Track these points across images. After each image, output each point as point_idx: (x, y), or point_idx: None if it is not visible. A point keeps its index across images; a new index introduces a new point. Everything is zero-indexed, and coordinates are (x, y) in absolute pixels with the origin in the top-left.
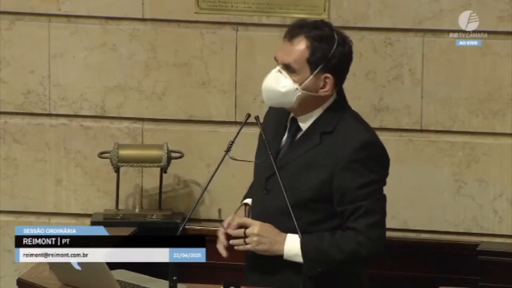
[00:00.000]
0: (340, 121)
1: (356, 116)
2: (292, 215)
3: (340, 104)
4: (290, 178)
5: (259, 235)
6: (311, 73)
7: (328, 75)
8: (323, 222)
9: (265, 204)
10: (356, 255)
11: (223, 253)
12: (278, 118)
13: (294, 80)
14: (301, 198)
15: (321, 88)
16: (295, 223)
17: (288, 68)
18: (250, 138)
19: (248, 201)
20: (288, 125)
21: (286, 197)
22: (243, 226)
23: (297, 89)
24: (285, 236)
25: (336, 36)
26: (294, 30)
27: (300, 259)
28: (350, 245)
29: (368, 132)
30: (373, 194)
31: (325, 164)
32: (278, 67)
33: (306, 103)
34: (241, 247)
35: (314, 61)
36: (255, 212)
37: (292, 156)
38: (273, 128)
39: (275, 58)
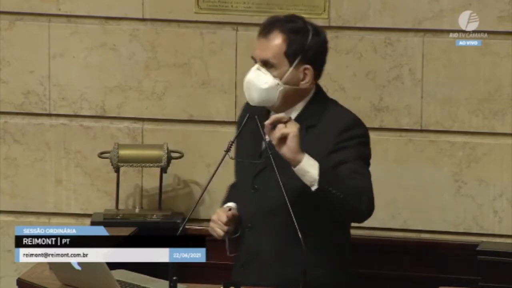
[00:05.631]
0: (324, 112)
1: (338, 103)
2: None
3: (321, 96)
4: (281, 174)
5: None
6: (290, 66)
7: (307, 66)
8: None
9: (254, 203)
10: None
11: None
12: (255, 122)
13: (274, 75)
14: (293, 190)
15: (302, 81)
16: (294, 219)
17: (266, 64)
18: None
19: (231, 205)
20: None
21: (284, 192)
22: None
23: (278, 84)
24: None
25: (310, 27)
26: (268, 26)
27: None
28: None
29: (350, 114)
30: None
31: (313, 154)
32: (256, 65)
33: (288, 98)
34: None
35: (292, 54)
36: (244, 212)
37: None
38: (251, 133)
39: (252, 58)
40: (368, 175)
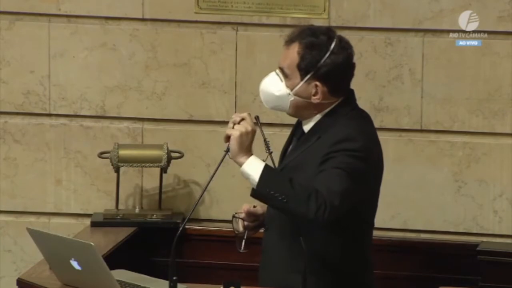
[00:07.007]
0: (332, 126)
1: (353, 118)
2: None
3: (340, 110)
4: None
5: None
6: (301, 80)
7: (317, 83)
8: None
9: None
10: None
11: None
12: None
13: (286, 85)
14: None
15: (313, 95)
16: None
17: (282, 72)
18: None
19: None
20: (295, 129)
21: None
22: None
23: (289, 94)
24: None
25: (332, 45)
26: (292, 35)
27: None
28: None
29: (349, 129)
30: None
31: (311, 164)
32: (277, 70)
33: (302, 109)
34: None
35: (304, 68)
36: (266, 212)
37: (289, 158)
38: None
39: None
40: (337, 183)
